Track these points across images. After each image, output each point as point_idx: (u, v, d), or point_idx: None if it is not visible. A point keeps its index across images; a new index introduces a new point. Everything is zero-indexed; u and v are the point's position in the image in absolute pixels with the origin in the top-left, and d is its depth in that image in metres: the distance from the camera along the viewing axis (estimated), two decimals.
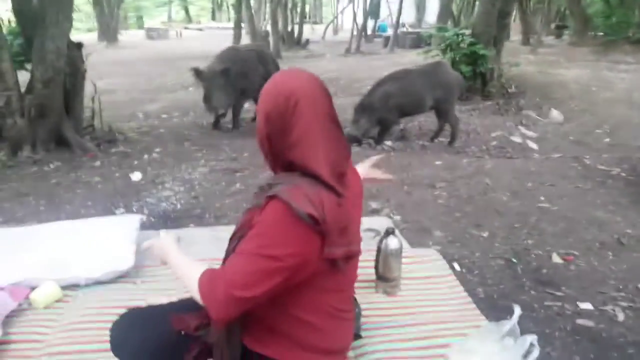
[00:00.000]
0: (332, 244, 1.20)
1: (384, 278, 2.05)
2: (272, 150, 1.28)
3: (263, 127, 1.26)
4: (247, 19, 13.78)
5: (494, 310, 2.34)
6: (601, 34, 14.15)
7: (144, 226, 3.20)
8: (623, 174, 4.24)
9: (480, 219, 3.39)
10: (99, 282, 2.05)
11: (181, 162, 4.62)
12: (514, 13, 18.86)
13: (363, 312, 1.79)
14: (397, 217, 3.43)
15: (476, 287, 2.58)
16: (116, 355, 1.41)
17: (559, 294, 2.54)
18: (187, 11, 39.46)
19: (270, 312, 1.29)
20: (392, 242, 2.02)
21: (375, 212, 3.50)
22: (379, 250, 2.04)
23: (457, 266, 2.78)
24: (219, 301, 1.18)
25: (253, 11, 15.76)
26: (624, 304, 2.45)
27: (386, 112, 5.10)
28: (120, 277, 2.10)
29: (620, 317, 2.35)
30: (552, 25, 21.39)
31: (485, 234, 3.17)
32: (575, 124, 5.80)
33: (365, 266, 2.00)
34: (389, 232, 2.03)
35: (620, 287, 2.60)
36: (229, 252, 1.30)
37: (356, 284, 1.73)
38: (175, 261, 1.35)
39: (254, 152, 4.90)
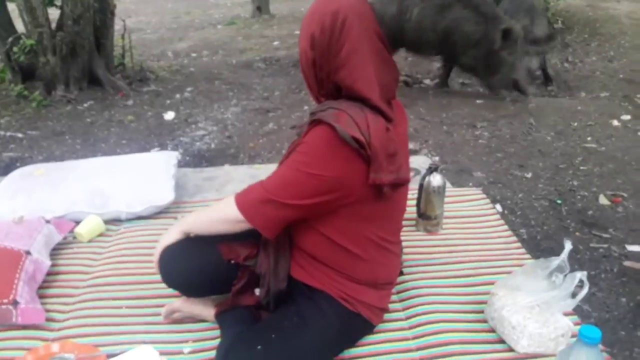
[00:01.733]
0: (378, 169, 1.17)
1: (426, 216, 2.00)
2: (317, 76, 1.22)
3: (308, 52, 1.19)
4: None
5: (538, 251, 2.29)
6: None
7: (180, 164, 3.22)
8: None
9: (523, 159, 3.27)
10: (140, 217, 2.07)
11: (213, 102, 4.57)
12: None
13: (405, 249, 1.76)
14: (436, 158, 3.34)
15: (519, 228, 2.51)
16: (166, 282, 1.43)
17: (605, 235, 2.45)
18: None
19: (314, 242, 1.28)
20: (435, 179, 1.95)
21: (413, 152, 3.40)
22: (421, 187, 1.98)
23: (499, 207, 2.69)
24: (254, 202, 1.21)
25: None
26: None
27: None
28: (160, 212, 2.11)
29: None
30: None
31: (529, 175, 3.06)
32: (626, 61, 5.44)
33: None
34: (432, 169, 1.96)
35: None
36: None
37: None
38: (197, 214, 1.45)
39: (286, 92, 4.80)
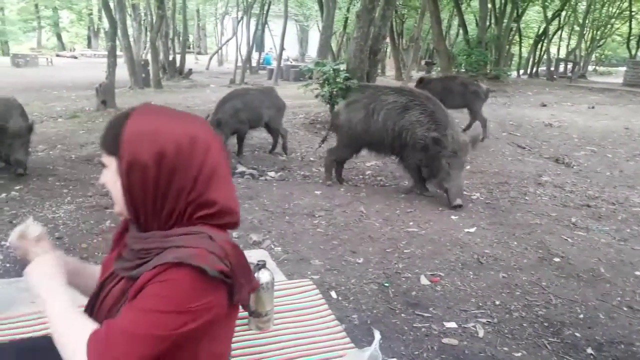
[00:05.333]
0: (240, 290, 1.13)
1: (256, 313, 2.02)
2: (157, 197, 1.11)
3: (150, 169, 1.09)
4: (124, 48, 13.27)
5: (368, 335, 2.41)
6: (463, 70, 15.71)
7: None
8: (482, 198, 4.66)
9: (355, 245, 3.51)
10: None
11: (44, 200, 4.25)
12: (388, 50, 20.39)
13: (234, 352, 1.75)
14: (278, 248, 3.44)
15: (352, 314, 2.64)
16: None
17: (426, 315, 2.68)
18: (59, 37, 37.06)
19: None
20: (264, 276, 2.00)
21: (256, 244, 3.48)
22: None
23: (334, 294, 2.83)
24: None
25: (132, 39, 15.25)
26: (484, 320, 2.65)
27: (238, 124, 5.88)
28: None
29: (481, 333, 2.54)
30: (423, 62, 23.38)
31: (360, 260, 3.28)
32: None
33: None
34: (259, 266, 2.02)
35: (480, 304, 2.81)
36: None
37: None
38: (55, 307, 1.10)
39: None
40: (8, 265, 3.10)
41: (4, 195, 4.34)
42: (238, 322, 1.99)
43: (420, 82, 7.71)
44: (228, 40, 23.63)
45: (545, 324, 2.64)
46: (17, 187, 4.54)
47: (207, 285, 1.05)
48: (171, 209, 1.11)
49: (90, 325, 1.05)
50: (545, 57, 24.06)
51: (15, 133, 4.76)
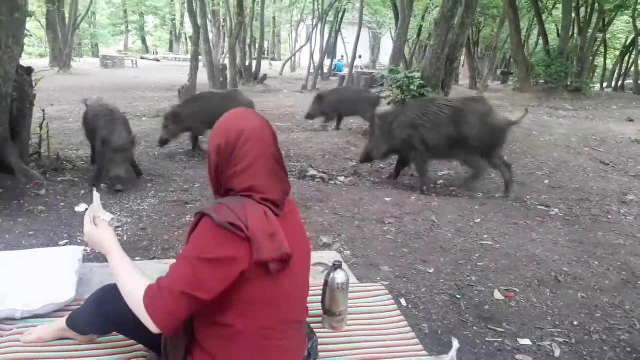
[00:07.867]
0: (260, 248, 1.32)
1: (331, 312, 2.07)
2: (217, 178, 1.45)
3: (213, 157, 1.43)
4: (204, 52, 13.87)
5: (439, 345, 2.40)
6: (542, 81, 15.10)
7: (87, 258, 3.12)
8: (561, 214, 4.48)
9: (426, 255, 3.48)
10: (37, 316, 1.98)
11: (130, 193, 4.53)
12: (462, 59, 19.97)
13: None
14: (347, 252, 3.47)
15: (422, 323, 2.62)
16: (95, 309, 1.63)
17: (499, 329, 2.62)
18: (144, 41, 39.28)
19: (203, 329, 1.43)
20: (339, 276, 2.05)
21: (326, 246, 3.53)
22: (325, 283, 2.06)
23: (403, 301, 2.83)
24: (164, 303, 1.29)
25: (212, 44, 15.91)
26: (560, 339, 2.55)
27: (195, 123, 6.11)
28: (59, 311, 2.03)
29: (557, 352, 2.44)
30: (499, 72, 22.68)
31: (431, 270, 3.25)
32: (516, 165, 6.08)
33: (312, 301, 2.04)
34: (336, 266, 2.06)
35: (557, 323, 2.71)
36: None
37: None
38: (118, 263, 1.49)
39: (207, 184, 4.87)
40: (98, 251, 3.33)
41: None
42: (312, 320, 2.05)
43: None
44: (302, 47, 24.05)
45: (628, 350, 2.50)
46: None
47: (222, 233, 1.29)
48: (224, 189, 1.43)
49: (143, 278, 1.38)
50: (632, 69, 22.58)
51: (118, 148, 4.59)
